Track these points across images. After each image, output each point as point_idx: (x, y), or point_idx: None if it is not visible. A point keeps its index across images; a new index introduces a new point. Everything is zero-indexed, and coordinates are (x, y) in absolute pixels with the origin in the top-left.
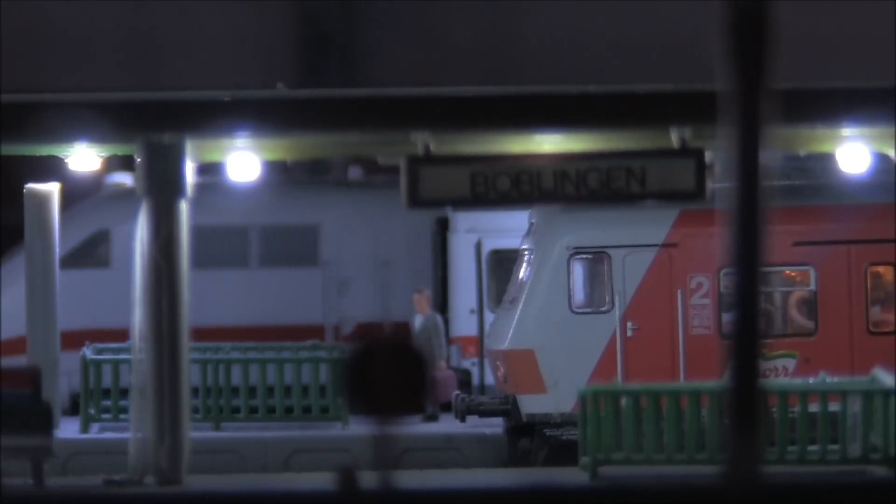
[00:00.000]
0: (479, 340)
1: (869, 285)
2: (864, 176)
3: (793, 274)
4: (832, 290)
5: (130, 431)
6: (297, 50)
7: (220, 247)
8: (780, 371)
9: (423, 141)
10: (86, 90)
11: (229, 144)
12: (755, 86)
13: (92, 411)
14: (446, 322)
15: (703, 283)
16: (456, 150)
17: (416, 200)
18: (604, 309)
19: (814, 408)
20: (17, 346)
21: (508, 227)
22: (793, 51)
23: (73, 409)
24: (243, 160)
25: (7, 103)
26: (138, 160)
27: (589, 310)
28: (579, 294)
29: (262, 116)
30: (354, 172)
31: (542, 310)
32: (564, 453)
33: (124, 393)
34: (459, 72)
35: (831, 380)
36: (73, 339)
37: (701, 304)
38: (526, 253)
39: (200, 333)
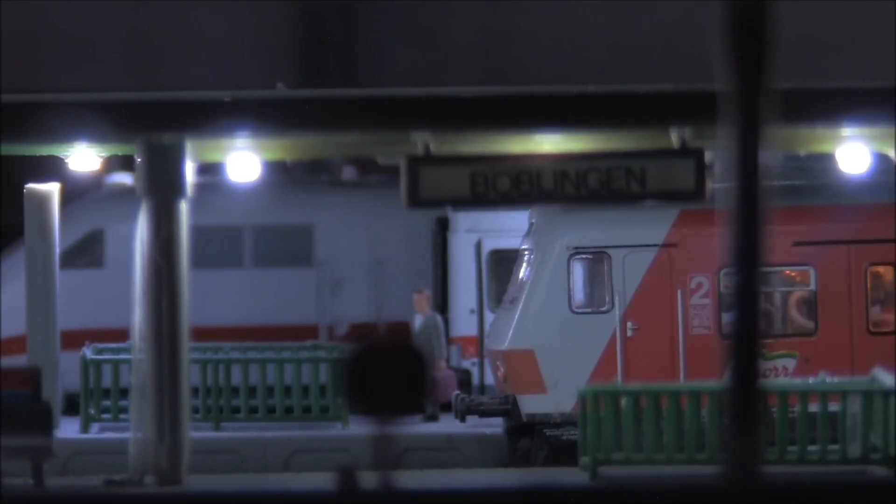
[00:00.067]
0: (479, 340)
1: (869, 285)
2: (864, 176)
3: (793, 274)
4: (832, 290)
5: (130, 431)
6: (297, 50)
7: (214, 247)
8: (780, 371)
9: (422, 141)
10: (86, 90)
11: (229, 144)
12: (755, 86)
13: (92, 411)
14: (446, 322)
15: (703, 283)
16: (456, 150)
17: (416, 200)
18: (604, 309)
19: (814, 408)
20: (16, 344)
21: (508, 227)
22: (793, 51)
23: (68, 408)
24: (243, 160)
25: (7, 103)
26: (138, 160)
27: (589, 310)
28: (579, 294)
29: (262, 116)
30: (349, 172)
31: (542, 310)
32: (564, 453)
33: (124, 393)
34: (459, 72)
35: (831, 380)
36: (67, 340)
37: (701, 304)
38: (526, 253)
39: (195, 333)
